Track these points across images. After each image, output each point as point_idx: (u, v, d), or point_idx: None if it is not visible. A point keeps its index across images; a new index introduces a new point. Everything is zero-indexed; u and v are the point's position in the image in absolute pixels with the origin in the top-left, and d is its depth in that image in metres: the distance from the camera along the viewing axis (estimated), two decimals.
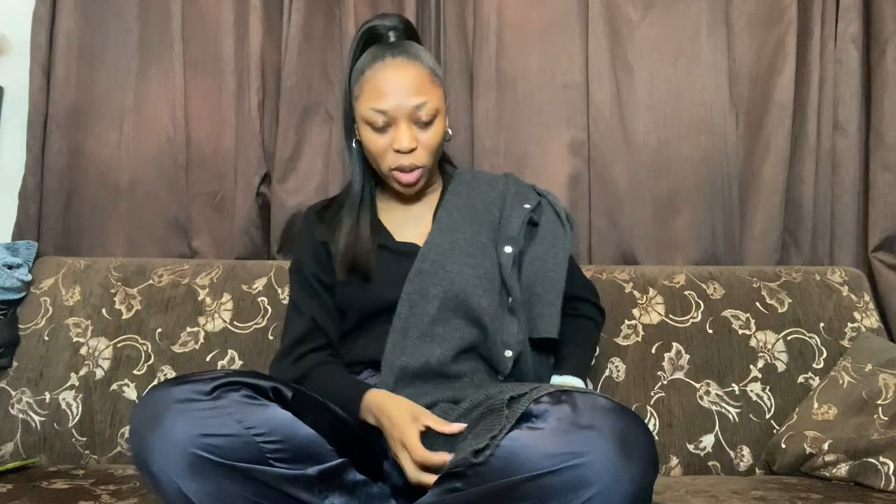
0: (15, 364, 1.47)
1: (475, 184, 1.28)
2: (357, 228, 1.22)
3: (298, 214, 1.68)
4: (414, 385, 1.10)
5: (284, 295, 1.51)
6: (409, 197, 1.27)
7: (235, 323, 1.49)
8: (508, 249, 1.18)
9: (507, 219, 1.22)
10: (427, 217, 1.26)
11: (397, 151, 1.15)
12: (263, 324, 1.48)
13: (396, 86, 1.13)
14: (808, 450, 1.24)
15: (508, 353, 1.13)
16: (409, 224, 1.26)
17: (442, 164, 1.34)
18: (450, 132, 1.24)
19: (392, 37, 1.21)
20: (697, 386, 1.42)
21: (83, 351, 1.47)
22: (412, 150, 1.15)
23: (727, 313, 1.48)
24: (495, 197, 1.26)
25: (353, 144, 1.24)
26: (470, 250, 1.17)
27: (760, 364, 1.43)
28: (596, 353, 1.35)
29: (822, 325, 1.47)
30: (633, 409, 1.38)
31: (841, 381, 1.33)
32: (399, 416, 1.01)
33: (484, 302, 1.13)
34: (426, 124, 1.16)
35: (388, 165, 1.17)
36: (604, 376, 1.43)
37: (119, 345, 1.48)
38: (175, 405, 0.86)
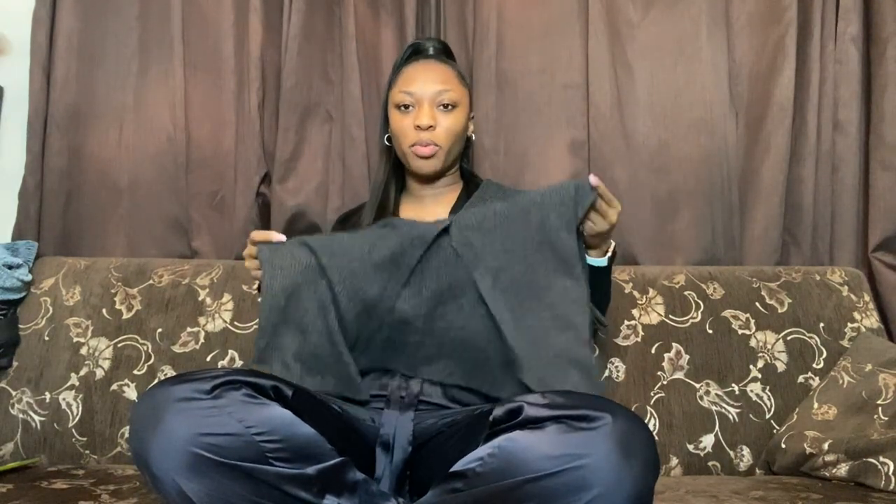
0: (15, 364, 1.47)
1: (501, 195, 1.34)
2: (377, 213, 1.32)
3: (298, 214, 1.68)
4: None
5: None
6: (426, 192, 1.34)
7: (236, 323, 1.49)
8: None
9: None
10: (442, 213, 1.32)
11: (417, 128, 1.26)
12: None
13: (424, 75, 1.29)
14: (808, 450, 1.24)
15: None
16: (424, 217, 1.30)
17: (464, 170, 1.41)
18: (473, 136, 1.37)
19: (431, 50, 1.36)
20: (697, 386, 1.42)
21: (83, 351, 1.47)
22: (430, 128, 1.25)
23: (727, 313, 1.48)
24: None
25: (386, 140, 1.35)
26: None
27: (760, 364, 1.43)
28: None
29: (821, 325, 1.47)
30: (633, 409, 1.38)
31: (841, 381, 1.33)
32: None
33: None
34: (447, 108, 1.27)
35: (408, 142, 1.28)
36: (604, 377, 1.43)
37: (119, 345, 1.48)
38: (175, 404, 0.86)
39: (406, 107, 1.27)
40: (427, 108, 1.25)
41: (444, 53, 1.37)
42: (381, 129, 1.37)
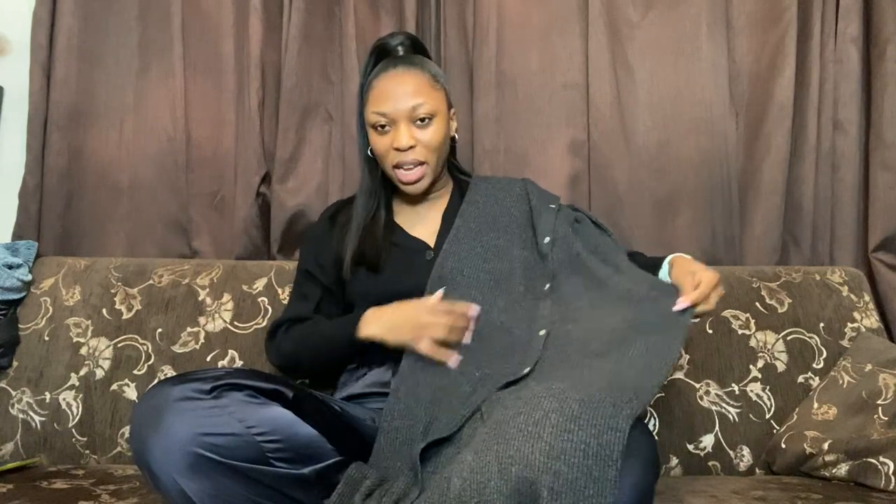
0: (15, 364, 1.47)
1: (492, 191, 1.33)
2: (371, 227, 1.28)
3: (298, 214, 1.68)
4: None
5: (284, 295, 1.51)
6: (419, 198, 1.32)
7: (236, 323, 1.49)
8: (547, 239, 1.23)
9: (538, 215, 1.28)
10: (436, 218, 1.31)
11: (397, 150, 1.22)
12: (264, 324, 1.48)
13: (395, 90, 1.22)
14: (808, 450, 1.24)
15: (542, 332, 1.11)
16: (419, 224, 1.31)
17: (452, 169, 1.39)
18: (456, 135, 1.33)
19: (400, 51, 1.31)
20: (697, 386, 1.42)
21: (83, 351, 1.47)
22: (411, 148, 1.22)
23: (727, 313, 1.48)
24: (514, 200, 1.31)
25: (369, 152, 1.30)
26: (486, 255, 1.23)
27: (760, 364, 1.43)
28: None
29: (821, 325, 1.47)
30: None
31: (841, 381, 1.33)
32: (407, 302, 1.15)
33: (501, 302, 1.17)
34: (423, 123, 1.23)
35: (391, 164, 1.25)
36: None
37: (119, 345, 1.48)
38: (176, 404, 0.86)
39: (382, 126, 1.23)
40: (403, 128, 1.21)
41: (413, 49, 1.32)
42: (362, 142, 1.31)
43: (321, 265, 1.31)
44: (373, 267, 1.24)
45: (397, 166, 1.24)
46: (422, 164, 1.24)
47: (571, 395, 0.81)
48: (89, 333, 1.49)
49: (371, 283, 1.24)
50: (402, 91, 1.22)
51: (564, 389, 0.83)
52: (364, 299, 1.22)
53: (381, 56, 1.30)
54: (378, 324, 1.15)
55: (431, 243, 1.27)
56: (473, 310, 1.13)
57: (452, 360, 1.09)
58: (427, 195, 1.32)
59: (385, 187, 1.33)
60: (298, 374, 1.35)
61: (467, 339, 1.11)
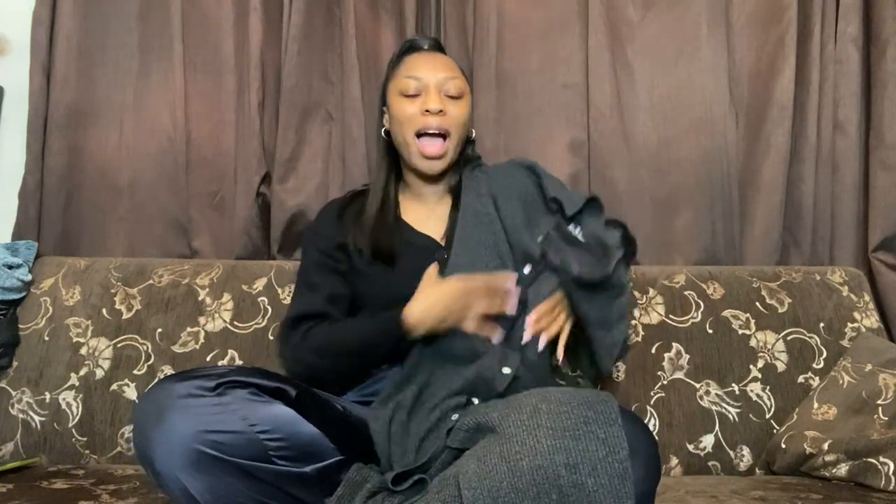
0: (15, 364, 1.47)
1: (495, 175, 1.31)
2: (381, 214, 1.27)
3: (298, 214, 1.68)
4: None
5: (285, 295, 1.51)
6: (427, 191, 1.31)
7: (236, 323, 1.49)
8: (540, 238, 1.21)
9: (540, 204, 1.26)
10: (444, 215, 1.29)
11: (427, 112, 1.22)
12: (264, 324, 1.48)
13: (431, 62, 1.26)
14: (808, 450, 1.24)
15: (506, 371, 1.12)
16: (429, 221, 1.29)
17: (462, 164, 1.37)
18: (473, 131, 1.34)
19: (426, 45, 1.34)
20: (697, 386, 1.42)
21: (83, 351, 1.47)
22: (440, 112, 1.22)
23: (727, 313, 1.48)
24: (519, 181, 1.29)
25: (383, 133, 1.30)
26: (494, 244, 1.22)
27: (760, 364, 1.43)
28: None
29: (821, 325, 1.47)
30: (632, 409, 1.38)
31: (841, 381, 1.33)
32: (440, 290, 1.12)
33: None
34: (454, 98, 1.24)
35: (414, 129, 1.23)
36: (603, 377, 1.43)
37: (119, 345, 1.48)
38: (179, 401, 0.86)
39: (412, 94, 1.23)
40: (434, 93, 1.22)
41: (439, 50, 1.36)
42: (378, 122, 1.33)
43: (332, 255, 1.26)
44: (388, 261, 1.22)
45: (421, 134, 1.22)
46: (446, 137, 1.23)
47: (550, 390, 0.86)
48: (89, 333, 1.49)
49: (384, 282, 1.22)
50: (436, 64, 1.26)
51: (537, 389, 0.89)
52: (377, 300, 1.21)
53: (410, 49, 1.33)
54: (428, 319, 1.11)
55: (441, 241, 1.26)
56: (510, 281, 1.13)
57: (496, 334, 1.11)
58: (437, 181, 1.30)
59: (395, 178, 1.32)
60: (319, 380, 1.17)
61: (511, 309, 1.12)
